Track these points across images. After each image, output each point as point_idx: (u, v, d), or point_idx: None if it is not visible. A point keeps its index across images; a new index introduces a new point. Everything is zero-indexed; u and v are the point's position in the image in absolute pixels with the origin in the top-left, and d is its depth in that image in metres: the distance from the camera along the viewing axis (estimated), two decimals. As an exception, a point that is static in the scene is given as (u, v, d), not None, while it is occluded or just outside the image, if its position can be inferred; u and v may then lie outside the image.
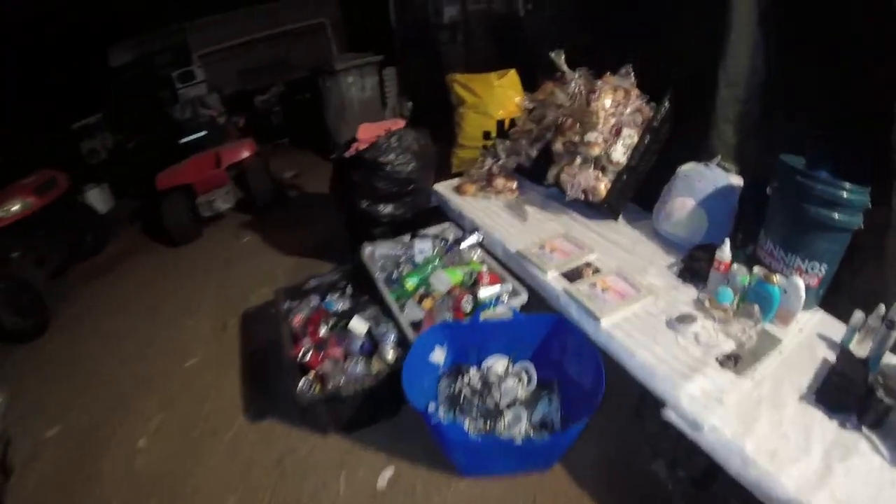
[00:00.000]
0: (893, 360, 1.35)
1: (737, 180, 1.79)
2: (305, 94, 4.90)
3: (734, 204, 1.79)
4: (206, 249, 3.56)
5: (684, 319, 1.53)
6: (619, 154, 1.97)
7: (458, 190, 2.47)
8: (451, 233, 2.25)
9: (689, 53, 1.84)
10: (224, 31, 5.27)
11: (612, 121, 1.99)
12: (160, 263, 3.49)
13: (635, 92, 2.02)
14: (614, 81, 2.04)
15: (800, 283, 1.46)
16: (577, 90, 2.18)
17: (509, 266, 1.99)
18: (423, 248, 2.06)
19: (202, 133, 3.94)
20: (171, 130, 4.02)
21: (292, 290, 2.22)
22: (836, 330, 1.48)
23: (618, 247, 1.93)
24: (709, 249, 1.71)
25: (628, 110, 1.98)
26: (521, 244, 1.97)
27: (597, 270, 1.79)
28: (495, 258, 2.04)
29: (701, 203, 1.80)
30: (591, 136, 1.99)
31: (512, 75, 2.65)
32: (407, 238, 2.23)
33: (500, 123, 2.64)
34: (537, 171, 2.33)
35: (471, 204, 2.36)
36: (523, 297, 1.83)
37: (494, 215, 2.25)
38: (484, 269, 1.95)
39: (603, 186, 2.00)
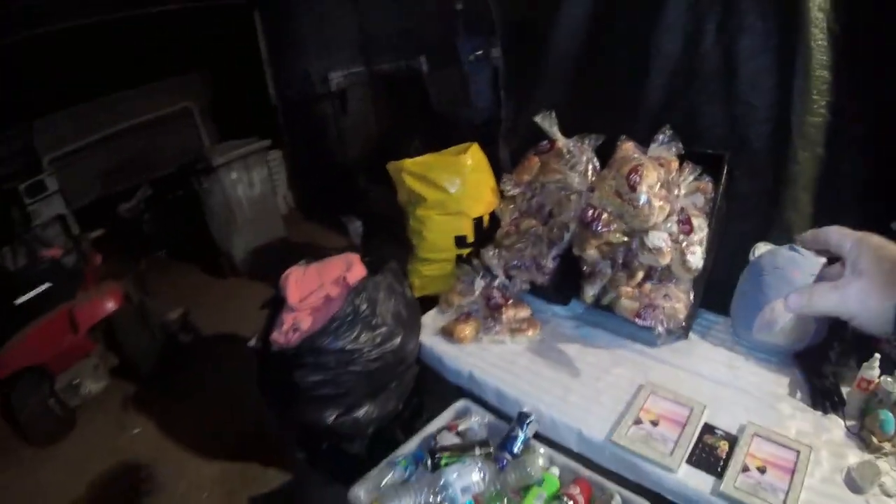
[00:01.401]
0: None
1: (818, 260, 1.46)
2: (177, 192, 4.17)
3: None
4: (80, 449, 2.62)
5: (865, 473, 1.19)
6: (699, 258, 1.52)
7: (452, 336, 1.82)
8: (476, 422, 1.56)
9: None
10: (76, 128, 4.50)
11: (667, 208, 1.52)
12: (15, 475, 2.48)
13: (675, 164, 1.58)
14: (657, 152, 1.56)
15: None
16: (585, 167, 1.69)
17: (596, 460, 1.45)
18: (466, 481, 1.34)
19: (45, 286, 2.85)
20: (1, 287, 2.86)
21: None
22: None
23: (714, 382, 1.52)
24: (816, 357, 1.46)
25: (683, 191, 1.52)
26: (602, 422, 1.45)
27: (725, 437, 1.35)
28: (564, 451, 1.47)
29: None
30: (655, 240, 1.51)
31: (476, 152, 2.06)
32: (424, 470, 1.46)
33: (479, 222, 2.04)
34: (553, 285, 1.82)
35: (480, 358, 1.74)
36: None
37: (527, 373, 1.66)
38: (575, 490, 1.36)
39: (683, 306, 1.54)
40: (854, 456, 1.27)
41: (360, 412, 1.66)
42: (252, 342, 1.85)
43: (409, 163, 2.02)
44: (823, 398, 1.39)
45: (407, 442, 1.52)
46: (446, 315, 1.94)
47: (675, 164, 1.59)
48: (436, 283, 2.10)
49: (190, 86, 4.79)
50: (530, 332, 1.79)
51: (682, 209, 1.53)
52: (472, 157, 2.00)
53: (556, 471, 1.42)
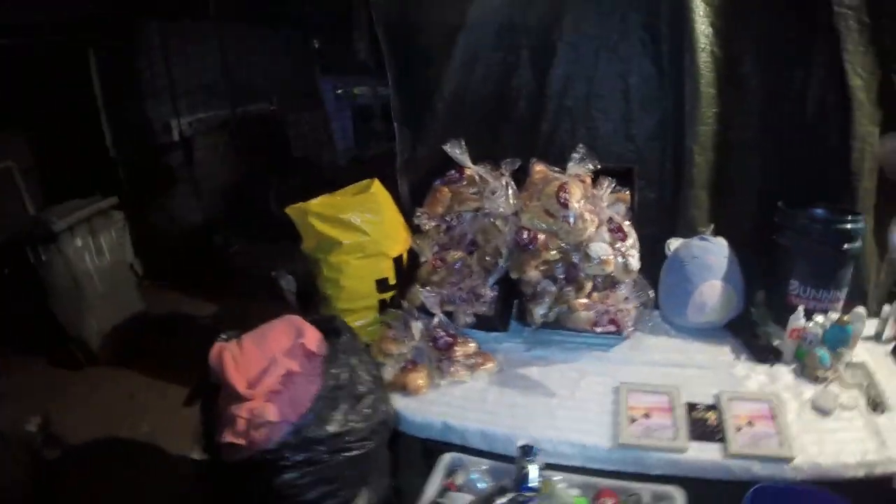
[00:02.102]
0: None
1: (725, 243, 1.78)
2: (4, 271, 3.19)
3: (740, 269, 1.77)
4: None
5: (826, 399, 1.43)
6: (637, 260, 1.67)
7: (405, 388, 1.60)
8: (474, 472, 1.37)
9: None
10: None
11: (596, 220, 1.66)
12: None
13: (589, 179, 1.77)
14: (575, 170, 1.72)
15: (862, 311, 1.60)
16: (506, 191, 1.77)
17: (602, 468, 1.39)
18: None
19: None
20: None
21: None
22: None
23: (673, 366, 1.64)
24: (744, 324, 1.74)
25: (605, 203, 1.69)
26: (600, 430, 1.42)
27: (707, 408, 1.45)
28: (576, 470, 1.38)
29: (726, 280, 1.72)
30: (599, 251, 1.60)
31: (380, 188, 1.96)
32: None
33: (398, 262, 1.91)
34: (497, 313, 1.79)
35: (446, 405, 1.56)
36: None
37: (503, 406, 1.55)
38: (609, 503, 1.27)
39: (632, 307, 1.65)
40: (808, 390, 1.49)
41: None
42: (194, 454, 1.32)
43: (315, 205, 1.83)
44: (765, 354, 1.62)
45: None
46: (387, 368, 1.71)
47: (590, 180, 1.77)
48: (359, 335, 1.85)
49: (8, 143, 3.82)
50: (488, 365, 1.69)
51: (611, 218, 1.69)
52: (381, 194, 1.91)
53: (577, 491, 1.31)
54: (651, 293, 1.62)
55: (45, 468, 2.34)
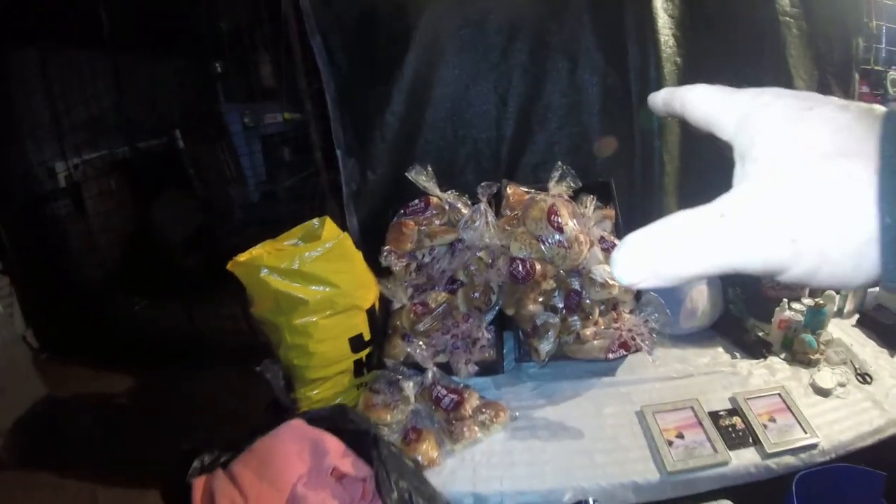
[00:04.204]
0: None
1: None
2: None
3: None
4: None
5: (825, 381, 1.60)
6: None
7: (416, 464, 1.45)
8: None
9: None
10: None
11: (588, 241, 1.68)
12: None
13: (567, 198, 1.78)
14: (557, 189, 1.72)
15: (831, 292, 1.79)
16: (486, 218, 1.71)
17: (654, 499, 1.40)
18: None
19: None
20: None
21: None
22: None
23: (681, 378, 1.71)
24: (730, 322, 1.90)
25: (592, 222, 1.71)
26: (645, 463, 1.43)
27: (729, 413, 1.53)
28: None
29: (710, 282, 1.86)
30: (603, 274, 1.60)
31: (333, 226, 1.75)
32: None
33: (371, 314, 1.72)
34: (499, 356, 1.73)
35: (471, 471, 1.45)
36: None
37: (537, 461, 1.47)
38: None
39: (643, 327, 1.68)
40: (805, 375, 1.66)
41: None
42: None
43: (267, 258, 1.56)
44: (757, 348, 1.76)
45: None
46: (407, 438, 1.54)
47: (566, 197, 1.78)
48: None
49: None
50: (502, 417, 1.60)
51: (602, 237, 1.71)
52: (346, 236, 1.70)
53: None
54: (667, 310, 1.66)
55: None
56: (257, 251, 1.60)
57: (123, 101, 3.15)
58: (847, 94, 1.86)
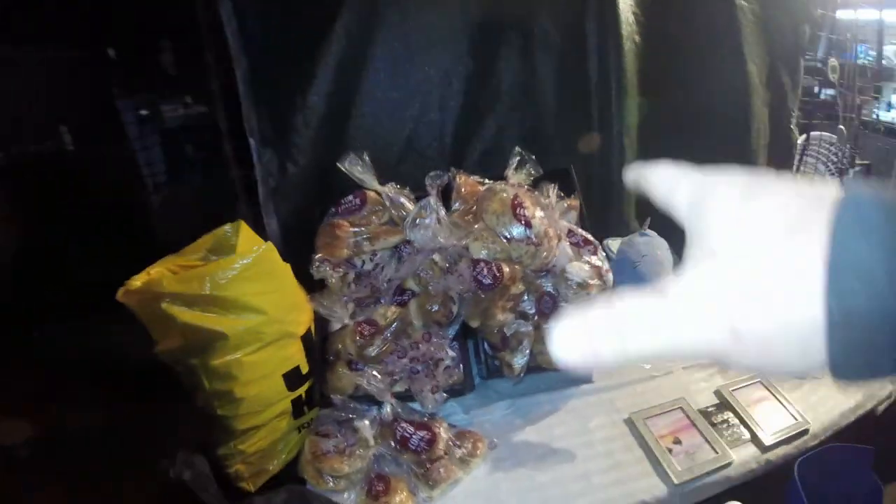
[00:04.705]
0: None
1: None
2: None
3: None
4: None
5: None
6: (611, 272, 1.55)
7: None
8: None
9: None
10: None
11: (556, 235, 1.50)
12: None
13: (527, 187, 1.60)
14: (517, 178, 1.53)
15: None
16: (437, 214, 1.48)
17: None
18: None
19: None
20: None
21: None
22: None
23: (661, 377, 1.61)
24: None
25: (557, 214, 1.54)
26: (647, 478, 1.29)
27: (718, 409, 1.47)
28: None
29: (676, 272, 1.75)
30: (581, 273, 1.44)
31: (247, 233, 1.40)
32: None
33: (307, 340, 1.40)
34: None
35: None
36: None
37: (527, 491, 1.28)
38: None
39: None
40: None
41: None
42: None
43: (169, 282, 1.18)
44: None
45: None
46: (345, 498, 1.25)
47: (525, 187, 1.60)
48: (270, 458, 1.33)
49: None
50: (480, 448, 1.38)
51: (570, 231, 1.55)
52: (270, 247, 1.35)
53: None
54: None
55: None
56: (156, 272, 1.22)
57: (3, 101, 2.56)
58: (794, 79, 1.95)
